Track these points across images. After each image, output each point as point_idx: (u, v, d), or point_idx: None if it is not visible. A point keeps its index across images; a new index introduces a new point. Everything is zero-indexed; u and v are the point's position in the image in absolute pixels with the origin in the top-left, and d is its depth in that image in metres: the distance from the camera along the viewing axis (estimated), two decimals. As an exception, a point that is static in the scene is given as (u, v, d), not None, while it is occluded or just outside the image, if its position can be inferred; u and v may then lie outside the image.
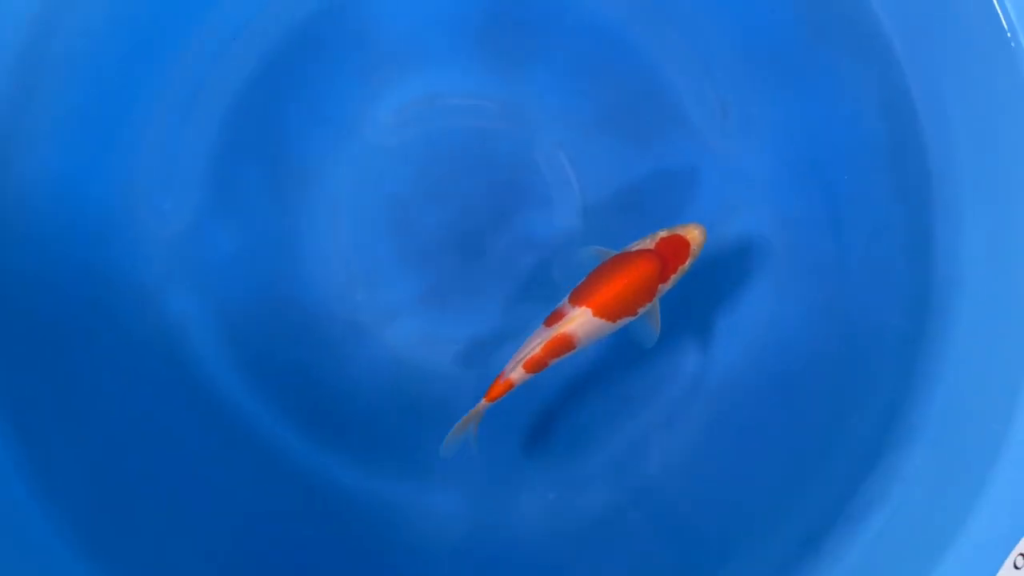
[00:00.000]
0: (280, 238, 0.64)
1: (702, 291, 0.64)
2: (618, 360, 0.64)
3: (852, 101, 0.64)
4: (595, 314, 0.55)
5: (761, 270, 0.64)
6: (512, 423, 0.64)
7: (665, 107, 0.65)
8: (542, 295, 0.64)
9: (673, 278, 0.57)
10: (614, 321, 0.56)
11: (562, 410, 0.65)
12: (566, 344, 0.55)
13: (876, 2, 0.63)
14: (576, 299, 0.55)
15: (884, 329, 0.62)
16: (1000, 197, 0.59)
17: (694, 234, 0.56)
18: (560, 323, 0.55)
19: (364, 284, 0.64)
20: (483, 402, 0.56)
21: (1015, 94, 0.57)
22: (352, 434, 0.63)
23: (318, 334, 0.64)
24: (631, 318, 0.57)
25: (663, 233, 0.57)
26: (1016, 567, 0.51)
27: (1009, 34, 0.57)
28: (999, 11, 0.57)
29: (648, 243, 0.57)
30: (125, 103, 0.62)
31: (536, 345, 0.55)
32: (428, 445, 0.63)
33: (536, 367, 0.55)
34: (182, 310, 0.63)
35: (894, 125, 0.63)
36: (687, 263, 0.57)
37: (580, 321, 0.55)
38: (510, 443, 0.64)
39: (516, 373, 0.55)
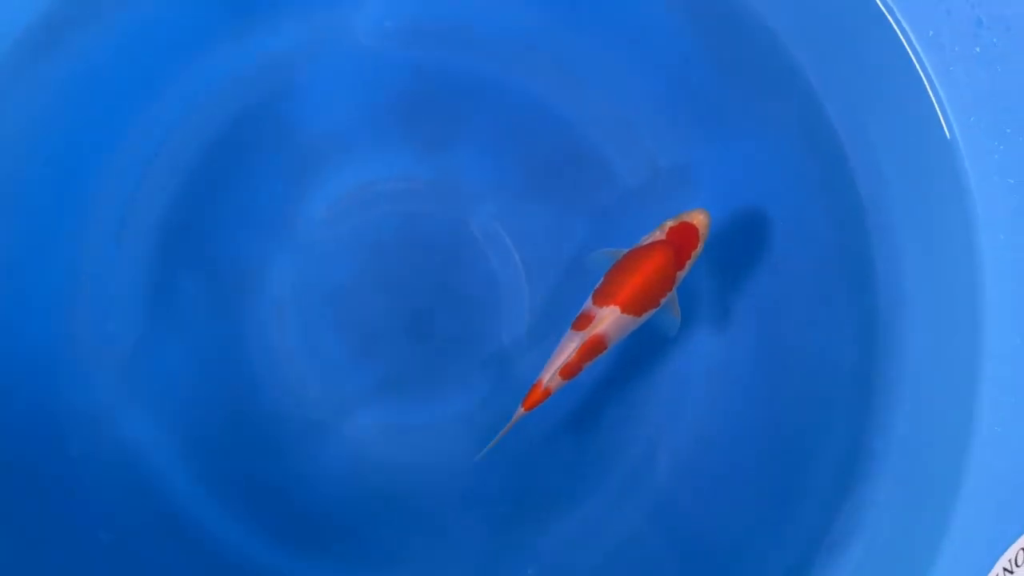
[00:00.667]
0: (227, 346, 0.64)
1: (649, 344, 0.64)
2: (571, 434, 0.64)
3: (777, 140, 0.65)
4: (623, 311, 0.56)
5: (705, 317, 0.64)
6: (482, 505, 0.63)
7: (594, 167, 0.66)
8: (493, 368, 0.64)
9: (688, 264, 0.58)
10: (640, 315, 0.57)
11: (532, 479, 0.65)
12: (599, 345, 0.56)
13: (787, 40, 0.64)
14: (601, 299, 0.56)
15: (837, 362, 0.62)
16: (930, 218, 0.60)
17: (700, 219, 0.57)
18: (590, 326, 0.56)
19: (317, 381, 0.64)
20: (520, 410, 0.56)
21: (926, 116, 0.58)
22: (320, 533, 0.63)
23: (276, 437, 0.63)
24: (655, 309, 0.57)
25: (670, 223, 0.57)
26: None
27: (913, 57, 0.58)
28: (902, 39, 0.58)
29: (658, 235, 0.57)
30: (56, 234, 0.62)
31: (571, 351, 0.55)
32: (398, 537, 0.63)
33: (572, 373, 0.56)
34: (137, 432, 0.62)
35: (822, 159, 0.64)
36: (699, 247, 0.57)
37: (610, 320, 0.56)
38: (483, 524, 0.63)
39: (553, 381, 0.56)
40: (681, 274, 0.58)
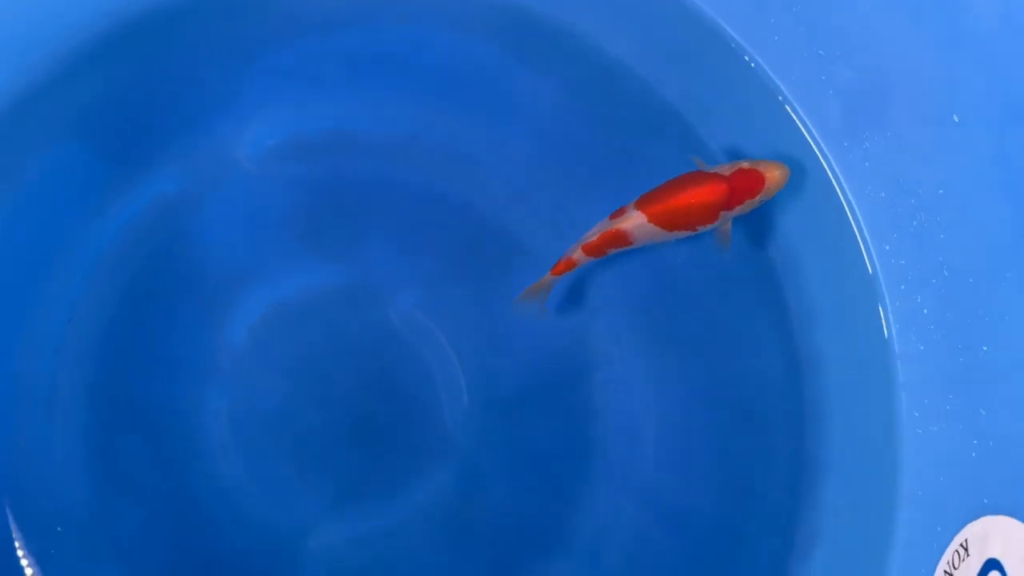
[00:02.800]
0: (179, 495, 0.64)
1: (576, 425, 0.66)
2: (531, 507, 0.66)
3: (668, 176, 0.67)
4: (649, 220, 0.59)
5: (636, 409, 0.66)
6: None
7: (502, 244, 0.67)
8: (447, 455, 0.65)
9: (739, 209, 0.59)
10: (669, 231, 0.60)
11: (502, 558, 0.66)
12: (621, 239, 0.60)
13: (656, 83, 0.66)
14: (640, 203, 0.59)
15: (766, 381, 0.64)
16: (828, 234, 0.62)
17: (774, 173, 0.59)
18: (620, 219, 0.59)
19: (272, 508, 0.64)
20: (549, 275, 0.62)
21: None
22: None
23: (241, 568, 0.64)
24: (690, 232, 0.60)
25: (745, 164, 0.59)
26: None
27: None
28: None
29: (726, 169, 0.59)
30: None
31: (595, 233, 0.60)
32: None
33: (594, 252, 0.61)
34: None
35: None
36: (756, 198, 0.59)
37: (636, 223, 0.59)
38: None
39: (577, 254, 0.61)
40: (728, 214, 0.59)
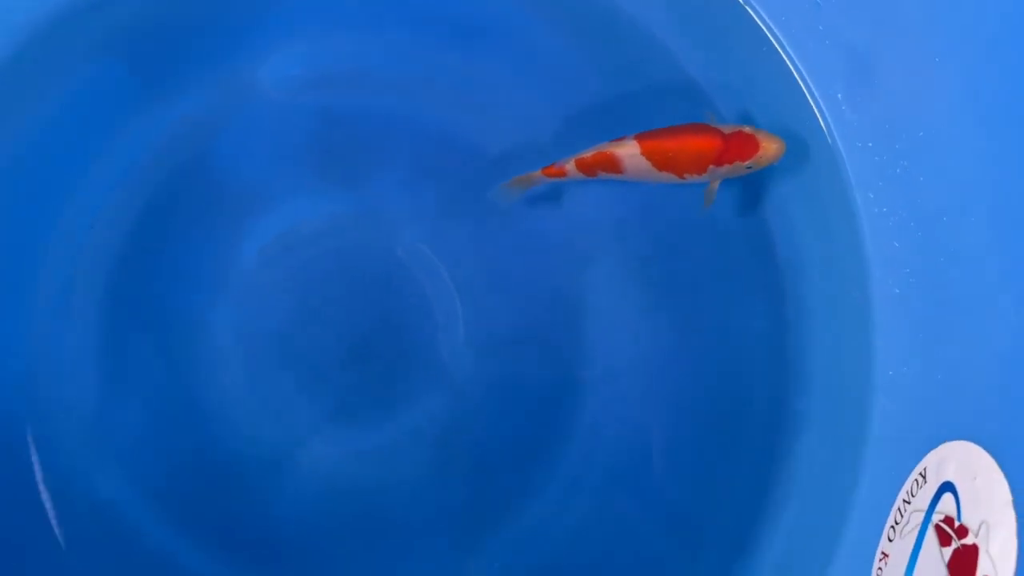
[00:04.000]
0: (181, 397, 0.67)
1: (568, 363, 0.68)
2: (516, 438, 0.68)
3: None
4: (642, 153, 0.61)
5: (626, 350, 0.68)
6: (442, 520, 0.67)
7: (503, 182, 0.70)
8: (439, 384, 0.68)
9: (728, 169, 0.61)
10: (658, 170, 0.62)
11: (485, 486, 0.68)
12: (612, 163, 0.62)
13: (666, 38, 0.69)
14: (639, 136, 0.62)
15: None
16: (815, 186, 0.64)
17: (770, 145, 0.60)
18: (615, 144, 0.62)
19: (269, 419, 0.67)
20: (538, 173, 0.64)
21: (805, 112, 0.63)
22: (291, 560, 0.66)
23: (238, 477, 0.67)
24: (677, 179, 0.62)
25: (747, 129, 0.61)
26: None
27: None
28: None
29: (727, 129, 0.61)
30: (7, 310, 0.66)
31: (591, 151, 0.62)
32: (365, 556, 0.66)
33: (584, 169, 0.63)
34: (110, 490, 0.66)
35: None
36: (746, 163, 0.60)
37: (629, 152, 0.62)
38: (446, 538, 0.67)
39: (569, 166, 0.63)
40: (717, 171, 0.61)
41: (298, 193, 0.70)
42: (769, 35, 0.62)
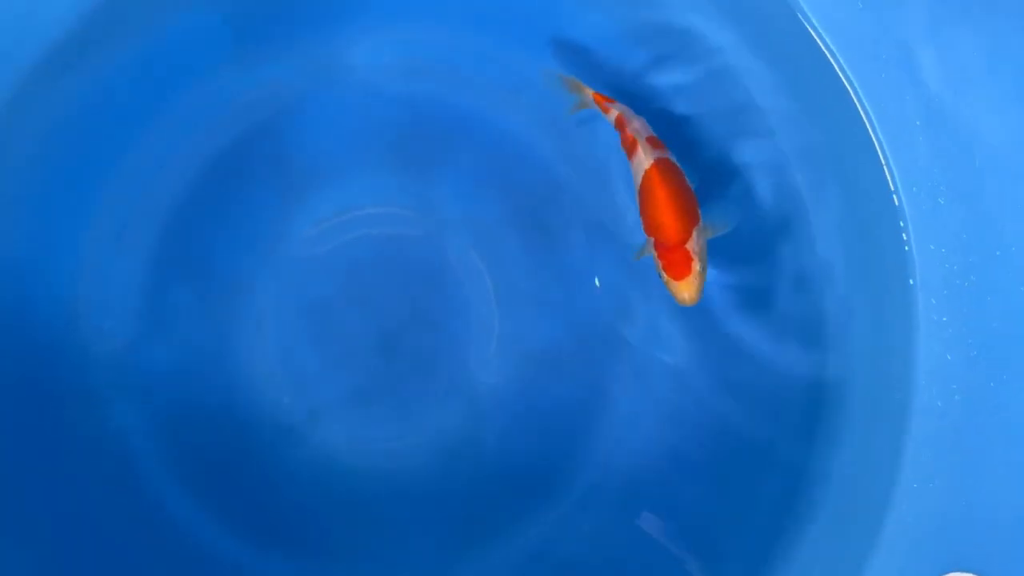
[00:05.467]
0: (211, 349, 0.68)
1: (594, 389, 0.68)
2: (529, 449, 0.68)
3: (749, 197, 0.68)
4: (644, 172, 0.60)
5: (658, 377, 0.67)
6: (436, 518, 0.67)
7: (568, 207, 0.69)
8: (460, 390, 0.68)
9: (654, 255, 0.59)
10: (636, 190, 0.61)
11: (485, 498, 0.68)
12: (629, 148, 0.61)
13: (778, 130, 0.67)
14: (659, 161, 0.60)
15: (773, 454, 0.65)
16: (880, 283, 0.62)
17: (684, 287, 0.58)
18: (644, 141, 0.60)
19: (290, 389, 0.68)
20: (592, 94, 0.63)
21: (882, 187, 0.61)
22: (283, 533, 0.67)
23: (249, 438, 0.68)
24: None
25: (697, 264, 0.58)
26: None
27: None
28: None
29: (696, 241, 0.58)
30: (62, 234, 0.67)
31: (643, 131, 0.61)
32: (358, 540, 0.67)
33: (616, 124, 0.62)
34: (124, 419, 0.67)
35: (796, 253, 0.67)
36: (664, 274, 0.59)
37: (640, 158, 0.60)
38: (434, 536, 0.67)
39: (611, 111, 0.62)
40: (650, 246, 0.60)
41: (362, 176, 0.70)
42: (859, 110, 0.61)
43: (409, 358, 0.69)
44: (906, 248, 0.57)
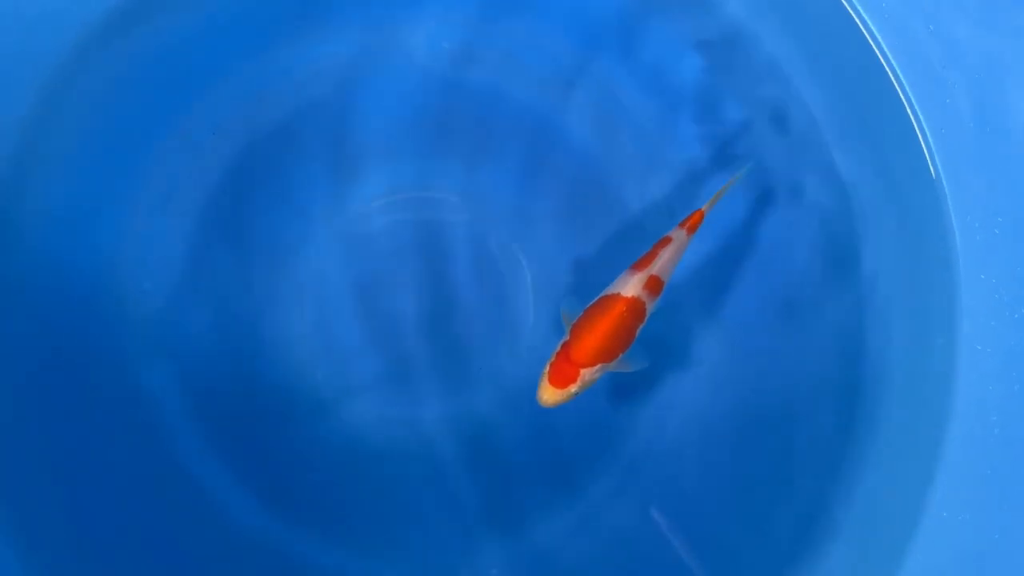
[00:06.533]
0: (249, 319, 0.68)
1: (638, 377, 0.67)
2: (553, 445, 0.68)
3: (794, 201, 0.68)
4: (641, 274, 0.59)
5: (697, 363, 0.67)
6: (461, 502, 0.67)
7: (613, 204, 0.69)
8: (491, 379, 0.68)
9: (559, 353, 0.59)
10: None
11: (509, 488, 0.68)
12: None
13: (812, 105, 0.67)
14: (636, 297, 0.59)
15: (814, 428, 0.65)
16: (925, 304, 0.62)
17: (547, 391, 0.58)
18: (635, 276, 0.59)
19: (325, 364, 0.68)
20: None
21: (936, 212, 0.61)
22: (307, 506, 0.67)
23: (280, 410, 0.68)
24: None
25: (585, 378, 0.58)
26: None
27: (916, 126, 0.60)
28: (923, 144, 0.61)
29: (590, 360, 0.58)
30: (111, 192, 0.68)
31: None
32: (380, 519, 0.67)
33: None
34: (156, 380, 0.67)
35: (832, 230, 0.67)
36: (543, 374, 0.59)
37: (630, 287, 0.59)
38: (457, 521, 0.67)
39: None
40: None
41: (412, 159, 0.70)
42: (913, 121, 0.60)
43: (443, 343, 0.69)
44: (955, 274, 0.57)
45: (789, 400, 0.66)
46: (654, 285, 0.59)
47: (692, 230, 0.60)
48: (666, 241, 0.60)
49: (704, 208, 0.60)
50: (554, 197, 0.70)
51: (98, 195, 0.68)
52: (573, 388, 0.58)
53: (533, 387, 0.68)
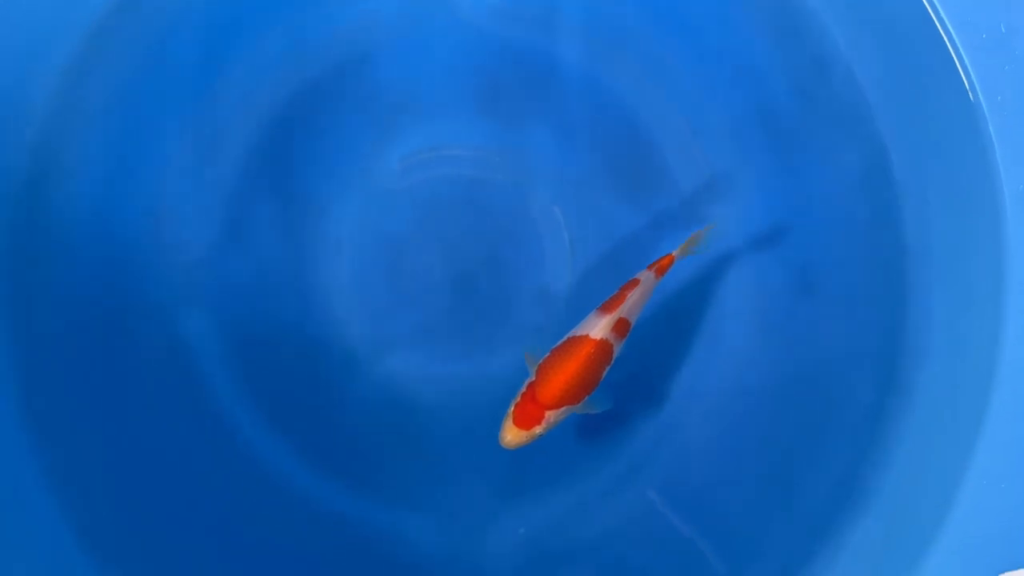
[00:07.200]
0: (286, 271, 0.69)
1: (669, 350, 0.67)
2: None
3: (835, 174, 0.67)
4: (611, 318, 0.59)
5: (732, 334, 0.67)
6: (491, 461, 0.67)
7: (655, 170, 0.69)
8: (527, 340, 0.68)
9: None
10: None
11: (538, 450, 0.68)
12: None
13: (865, 83, 0.66)
14: (604, 339, 0.59)
15: (849, 399, 0.64)
16: (969, 279, 0.61)
17: (508, 431, 0.59)
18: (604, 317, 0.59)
19: (361, 318, 0.68)
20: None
21: (986, 182, 0.59)
22: (340, 458, 0.67)
23: (315, 362, 0.68)
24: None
25: (551, 418, 0.59)
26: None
27: (981, 122, 0.59)
28: (970, 94, 0.59)
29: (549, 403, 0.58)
30: (153, 140, 0.68)
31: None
32: (409, 473, 0.67)
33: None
34: (194, 330, 0.68)
35: (874, 200, 0.66)
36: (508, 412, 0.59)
37: (597, 329, 0.59)
38: (486, 479, 0.67)
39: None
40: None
41: (455, 116, 0.70)
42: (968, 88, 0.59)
43: (479, 302, 0.69)
44: (1004, 243, 0.56)
45: (826, 370, 0.65)
46: (622, 328, 0.60)
47: (661, 273, 0.61)
48: (634, 283, 0.60)
49: (675, 253, 0.61)
50: (597, 160, 0.69)
51: (140, 143, 0.68)
52: (538, 430, 0.58)
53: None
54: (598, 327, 0.59)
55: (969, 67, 0.58)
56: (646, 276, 0.60)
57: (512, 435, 0.58)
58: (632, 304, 0.60)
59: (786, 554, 0.63)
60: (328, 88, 0.69)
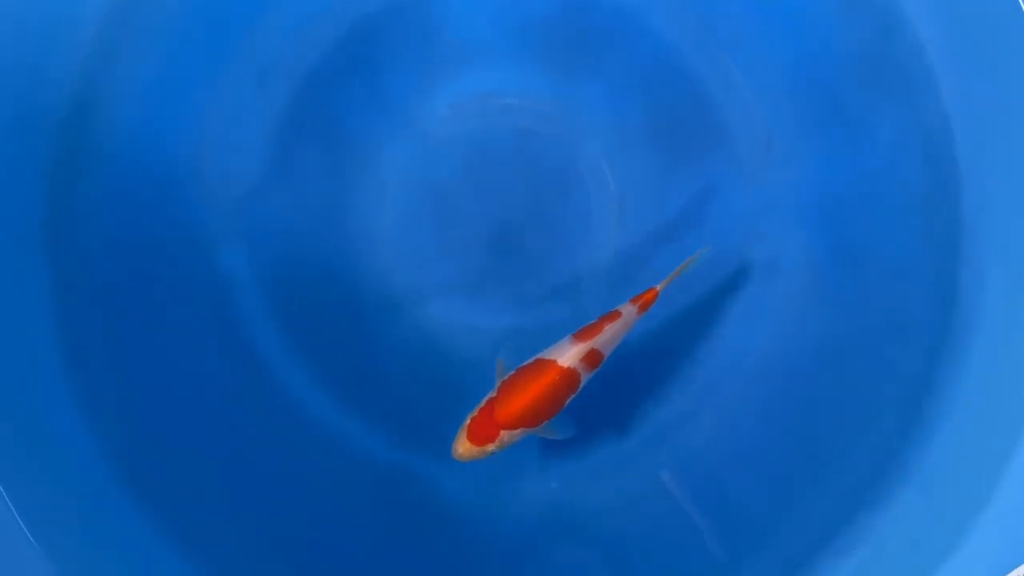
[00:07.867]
0: (330, 213, 0.68)
1: (715, 315, 0.66)
2: (619, 375, 0.67)
3: (895, 146, 0.65)
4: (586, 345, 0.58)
5: (781, 302, 0.66)
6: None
7: (711, 131, 0.67)
8: (568, 297, 0.67)
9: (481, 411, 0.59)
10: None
11: (574, 407, 0.67)
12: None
13: (931, 53, 0.64)
14: (571, 368, 0.58)
15: (895, 371, 0.63)
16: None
17: (461, 445, 0.58)
18: (576, 346, 0.58)
19: (402, 266, 0.68)
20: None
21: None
22: (377, 405, 0.67)
23: (355, 307, 0.67)
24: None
25: (505, 437, 0.58)
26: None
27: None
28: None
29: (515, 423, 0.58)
30: (202, 71, 0.67)
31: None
32: (440, 424, 0.67)
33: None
34: (233, 266, 0.67)
35: (933, 173, 0.64)
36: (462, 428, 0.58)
37: (569, 356, 0.58)
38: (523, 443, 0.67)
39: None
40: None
41: (508, 64, 0.68)
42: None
43: (522, 255, 0.68)
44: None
45: (873, 339, 0.64)
46: (593, 359, 0.58)
47: (643, 308, 0.59)
48: (614, 316, 0.59)
49: (658, 287, 0.59)
50: (651, 118, 0.68)
51: (189, 73, 0.67)
52: (490, 447, 0.57)
53: (609, 307, 0.68)
54: (568, 355, 0.58)
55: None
56: (628, 310, 0.59)
57: (463, 448, 0.57)
58: (608, 337, 0.58)
59: (814, 528, 0.63)
60: (384, 25, 0.68)
